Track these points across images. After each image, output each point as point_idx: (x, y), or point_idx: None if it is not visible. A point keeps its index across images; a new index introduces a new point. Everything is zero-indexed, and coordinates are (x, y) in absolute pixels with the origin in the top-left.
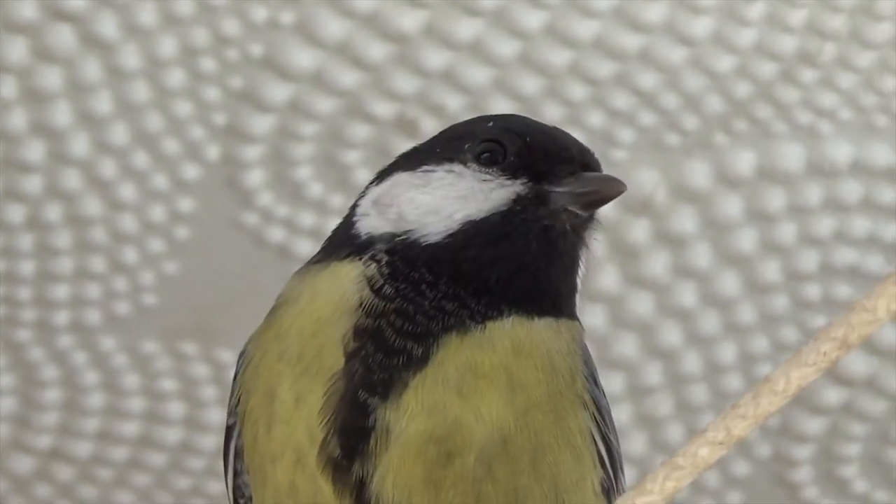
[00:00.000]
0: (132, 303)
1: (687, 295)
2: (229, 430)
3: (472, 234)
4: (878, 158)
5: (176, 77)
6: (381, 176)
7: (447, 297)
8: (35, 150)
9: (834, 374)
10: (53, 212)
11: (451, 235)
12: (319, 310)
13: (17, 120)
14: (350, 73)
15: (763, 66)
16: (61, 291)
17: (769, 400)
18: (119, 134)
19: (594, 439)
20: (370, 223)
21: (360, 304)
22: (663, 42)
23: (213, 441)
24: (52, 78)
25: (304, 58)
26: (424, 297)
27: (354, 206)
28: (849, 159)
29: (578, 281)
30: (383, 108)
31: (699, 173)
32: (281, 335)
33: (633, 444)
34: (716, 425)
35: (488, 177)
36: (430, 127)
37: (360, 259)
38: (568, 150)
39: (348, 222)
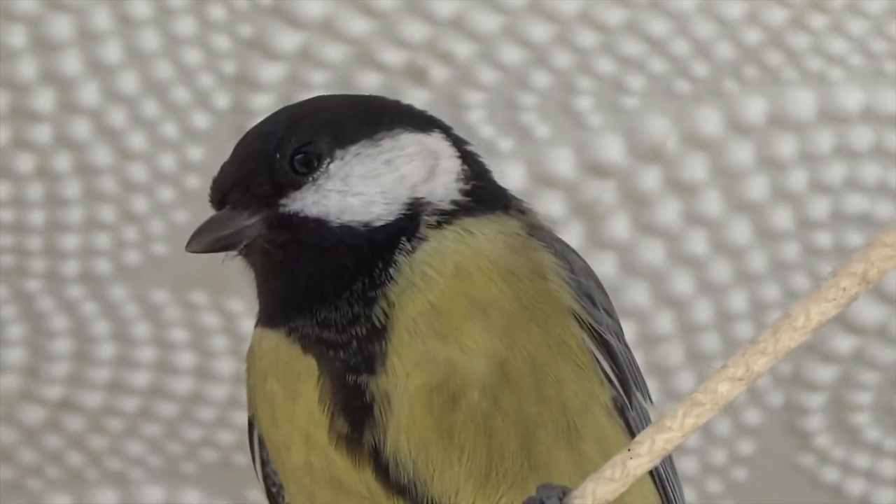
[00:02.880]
0: (142, 252)
1: (698, 243)
2: (250, 423)
3: (262, 304)
4: (888, 105)
5: (185, 25)
6: None
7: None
8: (44, 99)
9: (845, 322)
10: (63, 161)
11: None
12: (269, 343)
13: (27, 69)
14: (359, 21)
15: (773, 13)
16: (71, 241)
17: (789, 336)
18: (128, 82)
19: (590, 350)
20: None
21: (287, 334)
22: None
23: (223, 391)
24: (61, 26)
25: (313, 5)
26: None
27: None
28: (859, 106)
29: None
30: (393, 56)
31: (710, 121)
32: (259, 361)
33: None
34: (735, 361)
35: None
36: (440, 75)
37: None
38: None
39: None
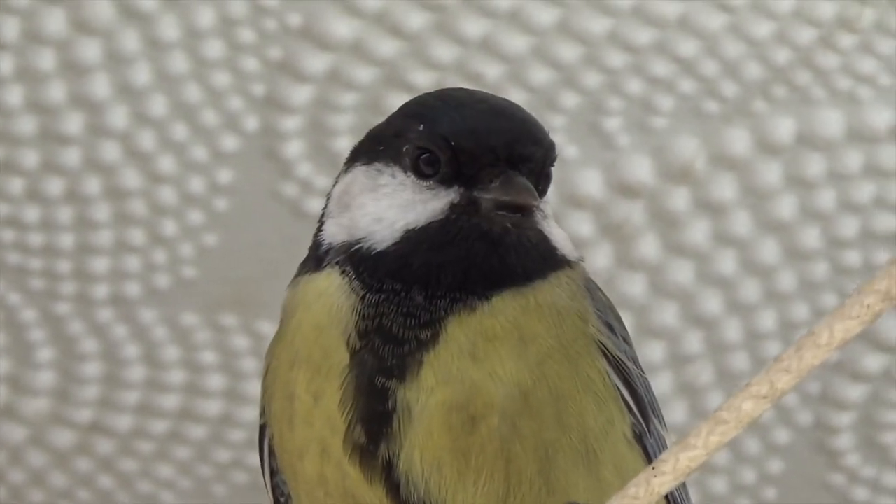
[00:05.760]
0: (172, 275)
1: (727, 262)
2: (262, 430)
3: (415, 243)
4: None
5: (214, 48)
6: (352, 159)
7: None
8: (74, 123)
9: (874, 340)
10: (92, 184)
11: (395, 244)
12: (315, 317)
13: (56, 92)
14: (388, 42)
15: (802, 32)
16: (101, 264)
17: (813, 353)
18: (158, 105)
19: (615, 384)
20: (331, 230)
21: (353, 310)
22: (703, 9)
23: (253, 413)
24: (90, 50)
25: (342, 27)
26: (412, 298)
27: (328, 199)
28: (888, 125)
29: (554, 242)
30: (422, 78)
31: (739, 140)
32: (287, 344)
33: (674, 412)
34: (759, 379)
35: (424, 187)
36: None
37: (332, 269)
38: (493, 152)
39: (321, 221)
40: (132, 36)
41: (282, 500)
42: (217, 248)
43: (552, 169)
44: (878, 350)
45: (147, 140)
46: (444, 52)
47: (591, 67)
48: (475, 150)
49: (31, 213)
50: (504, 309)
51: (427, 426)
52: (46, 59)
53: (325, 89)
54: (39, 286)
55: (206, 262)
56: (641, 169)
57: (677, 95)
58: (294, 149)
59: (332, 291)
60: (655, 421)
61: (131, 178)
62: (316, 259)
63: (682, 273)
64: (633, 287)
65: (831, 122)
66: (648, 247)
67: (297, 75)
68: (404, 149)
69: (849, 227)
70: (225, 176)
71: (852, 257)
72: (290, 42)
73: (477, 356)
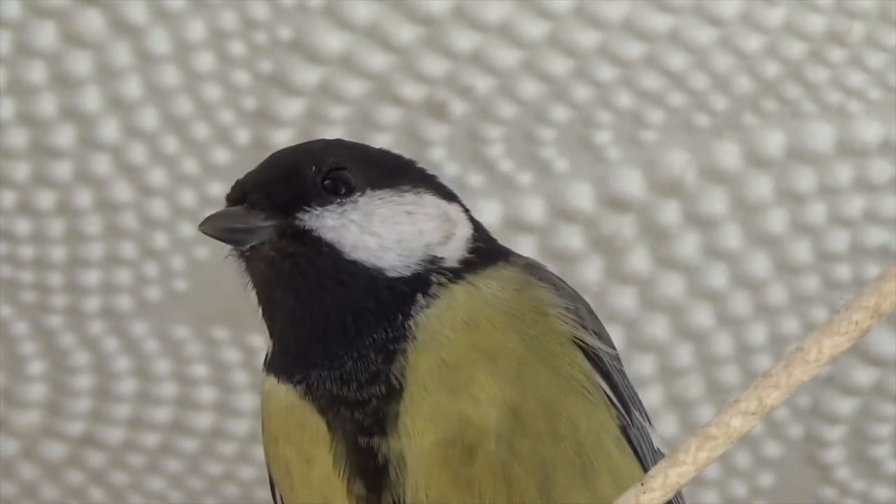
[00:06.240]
0: (163, 288)
1: (717, 276)
2: (272, 485)
3: (266, 321)
4: None
5: (205, 61)
6: None
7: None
8: (65, 136)
9: (864, 354)
10: (83, 197)
11: (269, 332)
12: (279, 402)
13: (47, 105)
14: (379, 56)
15: (792, 46)
16: (92, 277)
17: (801, 369)
18: (149, 119)
19: (597, 380)
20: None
21: (301, 395)
22: (692, 22)
23: (244, 426)
24: (81, 63)
25: (332, 41)
26: (334, 362)
27: None
28: (878, 139)
29: (343, 247)
30: (413, 91)
31: (729, 154)
32: (267, 427)
33: (664, 425)
34: (748, 395)
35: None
36: (460, 109)
37: (267, 377)
38: (229, 200)
39: None
40: (123, 49)
41: None
42: (208, 261)
43: (340, 172)
44: (868, 364)
45: (138, 153)
46: (435, 65)
47: (581, 81)
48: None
49: (23, 226)
50: (442, 333)
51: (426, 468)
52: (37, 72)
53: (316, 102)
54: (31, 299)
55: (198, 275)
56: (632, 182)
57: (667, 109)
58: None
59: (278, 392)
60: (636, 411)
61: (122, 191)
62: (265, 365)
63: (673, 286)
64: (624, 300)
65: (821, 135)
66: (639, 260)
67: (288, 88)
68: None
69: (839, 240)
70: (216, 189)
71: (843, 271)
72: (281, 55)
73: (451, 389)
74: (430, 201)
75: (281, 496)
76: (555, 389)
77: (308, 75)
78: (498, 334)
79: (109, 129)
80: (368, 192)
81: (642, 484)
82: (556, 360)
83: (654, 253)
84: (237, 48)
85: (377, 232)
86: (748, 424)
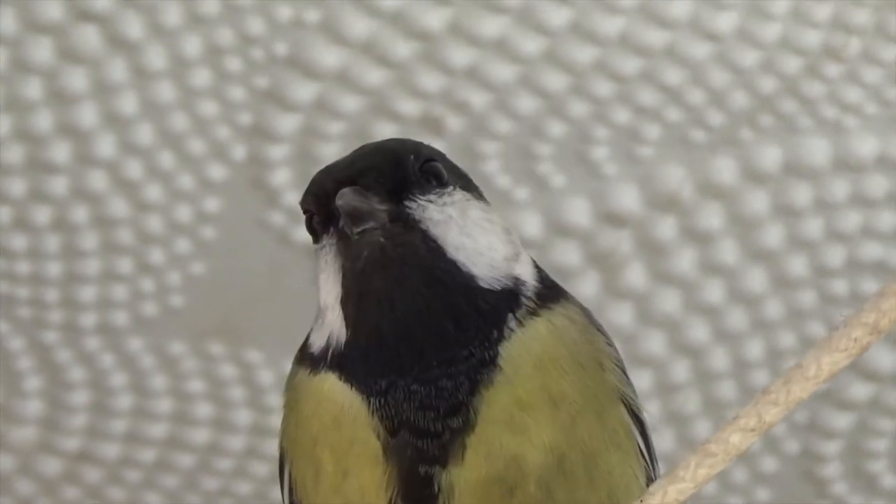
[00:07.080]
0: (159, 304)
1: (714, 291)
2: (281, 467)
3: (354, 311)
4: None
5: (201, 77)
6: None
7: (431, 377)
8: (61, 151)
9: (861, 369)
10: (79, 213)
11: (348, 328)
12: (330, 412)
13: (43, 121)
14: (375, 72)
15: (788, 61)
16: (88, 293)
17: (801, 386)
18: (145, 134)
19: (634, 434)
20: (313, 335)
21: (368, 411)
22: (688, 38)
23: (241, 442)
24: (77, 79)
25: (329, 57)
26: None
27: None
28: (874, 154)
29: (450, 251)
30: (409, 107)
31: (725, 169)
32: (304, 430)
33: (661, 440)
34: (747, 412)
35: (320, 248)
36: (456, 125)
37: (327, 374)
38: (321, 186)
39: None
40: (119, 65)
41: None
42: (204, 276)
43: (433, 164)
44: (865, 379)
45: (134, 169)
46: (431, 81)
47: (577, 96)
48: (313, 190)
49: (19, 242)
50: (523, 369)
51: (469, 500)
52: (34, 88)
53: (312, 118)
54: (27, 315)
55: (194, 291)
56: (628, 198)
57: (664, 124)
58: (281, 177)
59: (336, 397)
60: (657, 464)
61: (118, 207)
62: (311, 359)
63: (669, 302)
64: (620, 316)
65: (818, 150)
66: (635, 275)
67: (283, 104)
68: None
69: (836, 256)
70: (212, 205)
71: (839, 286)
72: (276, 71)
73: (515, 429)
74: (498, 216)
75: (294, 486)
76: (598, 443)
77: (304, 91)
78: (564, 381)
79: (106, 145)
80: (460, 189)
81: (641, 501)
82: (605, 414)
83: (650, 268)
84: (233, 64)
85: (471, 234)
86: (747, 441)
